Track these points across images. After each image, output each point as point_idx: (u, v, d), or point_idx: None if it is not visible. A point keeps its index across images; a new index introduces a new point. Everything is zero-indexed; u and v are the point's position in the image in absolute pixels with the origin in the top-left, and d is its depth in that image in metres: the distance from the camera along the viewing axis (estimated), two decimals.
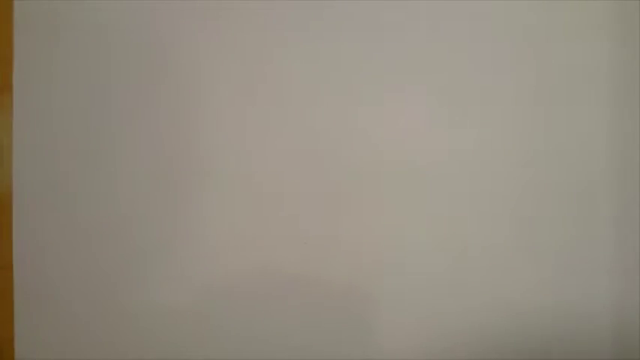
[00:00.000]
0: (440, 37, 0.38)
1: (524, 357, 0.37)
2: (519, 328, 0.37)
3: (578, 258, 0.37)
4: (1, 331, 0.38)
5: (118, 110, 0.38)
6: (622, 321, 0.37)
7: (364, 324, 0.37)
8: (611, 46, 0.37)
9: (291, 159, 0.38)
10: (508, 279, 0.37)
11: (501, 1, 0.38)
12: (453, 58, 0.38)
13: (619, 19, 0.37)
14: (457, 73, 0.38)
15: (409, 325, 0.37)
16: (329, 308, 0.38)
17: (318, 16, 0.38)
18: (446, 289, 0.37)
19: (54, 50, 0.38)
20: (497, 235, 0.37)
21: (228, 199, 0.38)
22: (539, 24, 0.38)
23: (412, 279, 0.37)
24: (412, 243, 0.38)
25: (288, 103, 0.38)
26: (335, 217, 0.38)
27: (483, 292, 0.37)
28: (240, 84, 0.38)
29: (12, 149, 0.38)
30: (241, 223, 0.38)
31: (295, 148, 0.38)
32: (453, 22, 0.38)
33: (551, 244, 0.37)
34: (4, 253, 0.38)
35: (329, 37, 0.38)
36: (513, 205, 0.38)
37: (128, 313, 0.38)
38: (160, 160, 0.38)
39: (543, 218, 0.37)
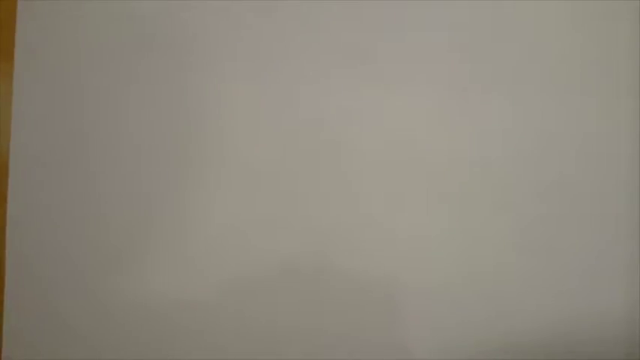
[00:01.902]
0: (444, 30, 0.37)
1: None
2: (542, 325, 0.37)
3: (601, 263, 0.37)
4: None
5: (123, 83, 0.38)
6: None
7: (387, 317, 0.37)
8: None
9: (308, 146, 0.37)
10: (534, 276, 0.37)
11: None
12: (459, 51, 0.37)
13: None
14: (463, 64, 0.37)
15: (433, 320, 0.37)
16: (351, 300, 0.37)
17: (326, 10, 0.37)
18: (469, 286, 0.37)
19: (58, 17, 0.37)
20: (525, 234, 0.37)
21: (241, 188, 0.38)
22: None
23: (436, 276, 0.37)
24: (435, 239, 0.37)
25: (299, 90, 0.37)
26: (356, 207, 0.37)
27: (510, 288, 0.37)
28: (249, 70, 0.37)
29: (11, 118, 0.38)
30: (255, 212, 0.37)
31: (309, 134, 0.37)
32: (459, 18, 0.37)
33: (574, 246, 0.37)
34: None
35: (334, 31, 0.37)
36: (536, 202, 0.37)
37: (131, 304, 0.38)
38: (165, 140, 0.38)
39: (565, 217, 0.37)
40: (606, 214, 0.37)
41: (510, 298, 0.37)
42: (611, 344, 0.36)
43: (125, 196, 0.37)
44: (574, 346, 0.36)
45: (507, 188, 0.37)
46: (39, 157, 0.38)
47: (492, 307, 0.37)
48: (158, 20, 0.37)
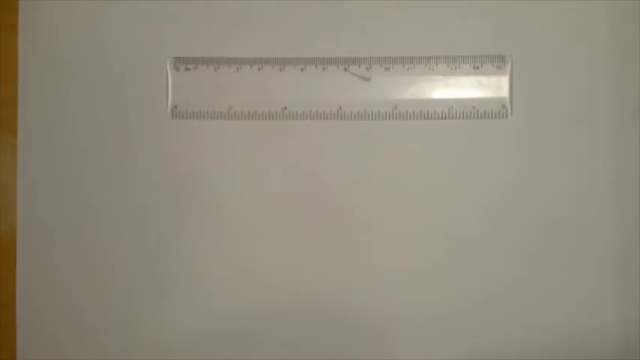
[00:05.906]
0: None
1: None
2: None
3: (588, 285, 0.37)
4: None
5: (121, 154, 0.38)
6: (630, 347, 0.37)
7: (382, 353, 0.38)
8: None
9: (295, 195, 0.38)
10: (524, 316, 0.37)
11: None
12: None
13: None
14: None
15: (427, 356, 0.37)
16: (338, 344, 0.38)
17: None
18: (459, 323, 0.37)
19: (59, 91, 0.39)
20: (514, 268, 0.37)
21: (232, 235, 0.38)
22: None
23: (426, 315, 0.38)
24: (424, 279, 0.38)
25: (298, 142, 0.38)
26: (341, 252, 0.38)
27: (497, 328, 0.37)
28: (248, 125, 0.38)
29: (16, 190, 0.38)
30: (245, 258, 0.38)
31: (298, 183, 0.38)
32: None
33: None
34: (7, 293, 0.38)
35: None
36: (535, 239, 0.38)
37: (147, 339, 0.38)
38: (161, 203, 0.38)
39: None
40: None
41: (505, 335, 0.37)
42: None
43: (125, 250, 0.38)
44: None
45: (506, 227, 0.37)
46: (46, 224, 0.38)
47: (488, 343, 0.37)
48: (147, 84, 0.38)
